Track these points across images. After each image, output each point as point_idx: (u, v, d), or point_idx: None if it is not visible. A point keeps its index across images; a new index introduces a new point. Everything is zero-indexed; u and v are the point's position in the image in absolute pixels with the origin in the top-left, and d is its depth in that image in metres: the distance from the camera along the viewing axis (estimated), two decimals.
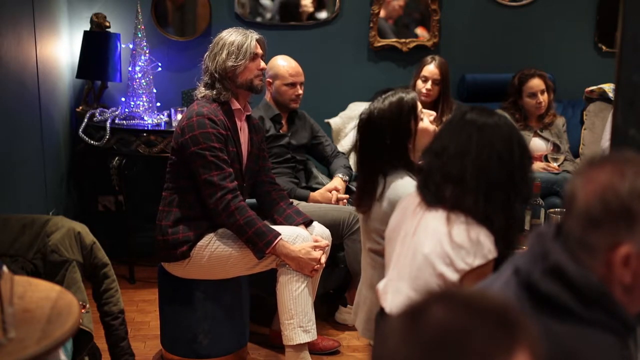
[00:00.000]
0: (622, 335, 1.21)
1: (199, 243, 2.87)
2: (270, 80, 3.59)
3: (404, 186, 2.25)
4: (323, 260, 2.92)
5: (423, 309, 0.90)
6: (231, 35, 2.92)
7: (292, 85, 3.58)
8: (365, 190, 2.35)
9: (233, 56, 2.88)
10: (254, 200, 3.18)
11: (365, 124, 2.34)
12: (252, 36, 2.93)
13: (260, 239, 2.81)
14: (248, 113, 3.02)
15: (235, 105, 2.94)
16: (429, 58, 3.90)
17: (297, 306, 2.86)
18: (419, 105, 2.35)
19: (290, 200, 3.21)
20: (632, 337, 1.27)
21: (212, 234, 2.89)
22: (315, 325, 2.92)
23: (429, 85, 3.83)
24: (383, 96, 2.34)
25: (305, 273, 2.87)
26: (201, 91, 2.93)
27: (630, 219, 1.18)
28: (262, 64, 2.95)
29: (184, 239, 2.86)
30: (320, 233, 3.03)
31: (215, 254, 2.87)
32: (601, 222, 1.20)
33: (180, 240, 2.86)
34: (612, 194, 1.19)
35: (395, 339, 0.89)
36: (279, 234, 2.83)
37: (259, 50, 2.94)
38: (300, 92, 3.62)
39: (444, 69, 3.86)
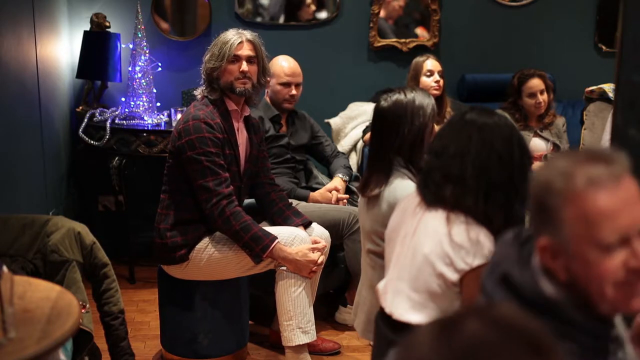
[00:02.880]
0: (580, 340, 1.21)
1: (197, 246, 2.87)
2: (269, 80, 3.57)
3: (403, 189, 2.25)
4: (321, 260, 2.91)
5: (457, 321, 0.89)
6: (223, 36, 2.89)
7: (287, 85, 3.57)
8: (373, 173, 2.34)
9: (213, 58, 2.85)
10: (253, 200, 3.18)
11: (393, 107, 2.32)
12: (239, 38, 2.86)
13: (257, 244, 2.80)
14: (246, 114, 3.00)
15: (232, 106, 2.91)
16: (423, 56, 3.89)
17: (295, 307, 2.86)
18: None
19: (290, 201, 3.21)
20: (609, 339, 1.26)
21: (210, 237, 2.89)
22: (314, 326, 2.91)
23: (437, 77, 3.82)
24: (409, 88, 2.35)
25: (303, 275, 2.86)
26: (199, 91, 2.94)
27: (544, 212, 1.22)
28: (244, 67, 2.85)
29: (182, 242, 2.86)
30: (319, 234, 3.03)
31: (214, 257, 2.86)
32: (532, 218, 1.25)
33: (179, 244, 2.86)
34: (533, 190, 1.25)
35: (425, 347, 0.88)
36: (276, 238, 2.83)
37: (243, 52, 2.86)
38: (294, 92, 3.59)
39: (441, 64, 3.87)
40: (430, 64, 3.83)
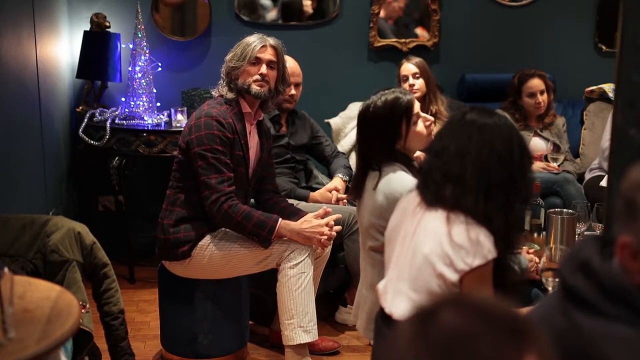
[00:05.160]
0: None
1: (199, 243, 2.88)
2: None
3: (398, 180, 2.28)
4: (334, 231, 2.89)
5: (434, 313, 0.90)
6: (247, 39, 2.94)
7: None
8: (359, 179, 2.42)
9: (236, 57, 2.90)
10: (252, 201, 3.18)
11: (362, 117, 2.40)
12: (263, 42, 2.90)
13: (262, 229, 2.81)
14: (260, 118, 3.02)
15: (246, 108, 2.93)
16: (403, 60, 3.90)
17: (297, 306, 2.86)
18: (416, 109, 2.37)
19: (290, 201, 3.22)
20: None
21: (212, 234, 2.89)
22: (316, 325, 2.91)
23: (410, 81, 3.82)
24: (382, 92, 2.38)
25: (315, 244, 2.86)
26: (216, 90, 2.97)
27: (632, 210, 1.19)
28: (264, 70, 2.89)
29: (185, 238, 2.87)
30: None
31: (216, 255, 2.87)
32: (617, 216, 1.21)
33: (182, 240, 2.86)
34: (624, 187, 1.21)
35: (405, 341, 0.89)
36: (278, 217, 2.85)
37: (265, 56, 2.90)
38: (294, 92, 3.60)
39: (421, 64, 3.84)
40: (405, 69, 3.84)
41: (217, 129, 2.80)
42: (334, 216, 2.94)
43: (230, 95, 2.90)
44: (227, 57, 2.93)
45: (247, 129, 2.93)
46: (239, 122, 2.89)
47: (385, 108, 2.34)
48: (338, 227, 2.94)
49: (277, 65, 2.94)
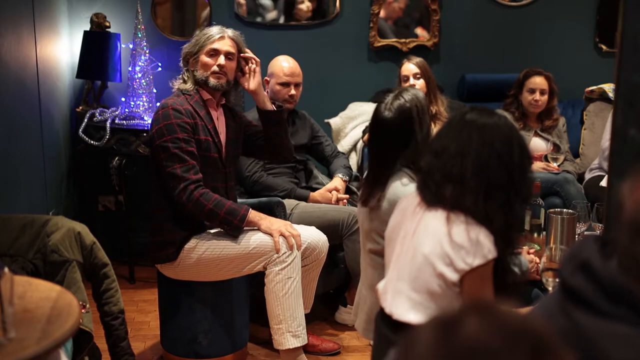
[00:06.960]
0: None
1: (186, 246, 2.84)
2: (267, 79, 3.60)
3: (404, 187, 2.26)
4: (295, 247, 2.84)
5: (457, 320, 0.87)
6: (206, 29, 2.94)
7: (286, 85, 3.57)
8: (376, 185, 2.33)
9: (191, 44, 2.91)
10: (256, 200, 3.18)
11: (399, 117, 2.31)
12: (221, 32, 2.88)
13: (234, 216, 2.79)
14: (222, 102, 2.99)
15: (206, 95, 2.91)
16: (404, 60, 3.88)
17: (284, 311, 2.82)
18: None
19: (290, 201, 3.20)
20: None
21: (198, 237, 2.86)
22: (305, 330, 2.87)
23: (411, 81, 3.81)
24: (405, 90, 2.34)
25: (274, 235, 2.80)
26: (173, 83, 2.97)
27: None
28: (221, 61, 2.86)
29: (169, 240, 2.84)
30: (316, 238, 2.99)
31: (204, 257, 2.83)
32: (630, 235, 1.18)
33: (167, 242, 2.85)
34: (634, 211, 1.17)
35: (424, 347, 0.86)
36: (249, 207, 2.85)
37: (222, 47, 2.87)
38: (294, 92, 3.59)
39: (422, 64, 3.82)
40: (404, 69, 3.81)
41: (174, 117, 2.78)
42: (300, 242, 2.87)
43: (188, 85, 2.89)
44: (184, 47, 2.94)
45: (213, 115, 2.91)
46: (202, 109, 2.88)
47: (424, 106, 2.33)
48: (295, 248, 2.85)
49: (236, 56, 2.92)
